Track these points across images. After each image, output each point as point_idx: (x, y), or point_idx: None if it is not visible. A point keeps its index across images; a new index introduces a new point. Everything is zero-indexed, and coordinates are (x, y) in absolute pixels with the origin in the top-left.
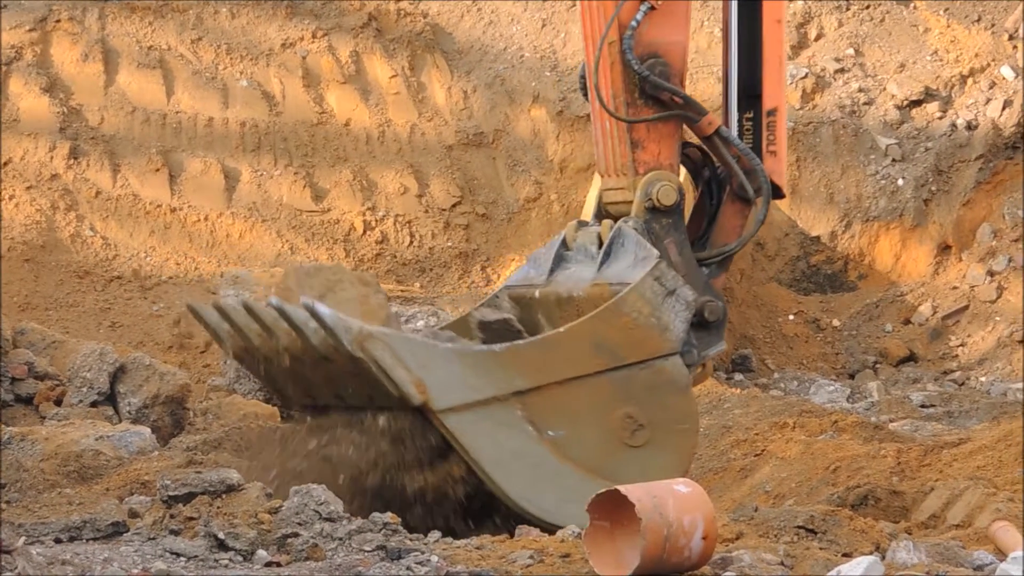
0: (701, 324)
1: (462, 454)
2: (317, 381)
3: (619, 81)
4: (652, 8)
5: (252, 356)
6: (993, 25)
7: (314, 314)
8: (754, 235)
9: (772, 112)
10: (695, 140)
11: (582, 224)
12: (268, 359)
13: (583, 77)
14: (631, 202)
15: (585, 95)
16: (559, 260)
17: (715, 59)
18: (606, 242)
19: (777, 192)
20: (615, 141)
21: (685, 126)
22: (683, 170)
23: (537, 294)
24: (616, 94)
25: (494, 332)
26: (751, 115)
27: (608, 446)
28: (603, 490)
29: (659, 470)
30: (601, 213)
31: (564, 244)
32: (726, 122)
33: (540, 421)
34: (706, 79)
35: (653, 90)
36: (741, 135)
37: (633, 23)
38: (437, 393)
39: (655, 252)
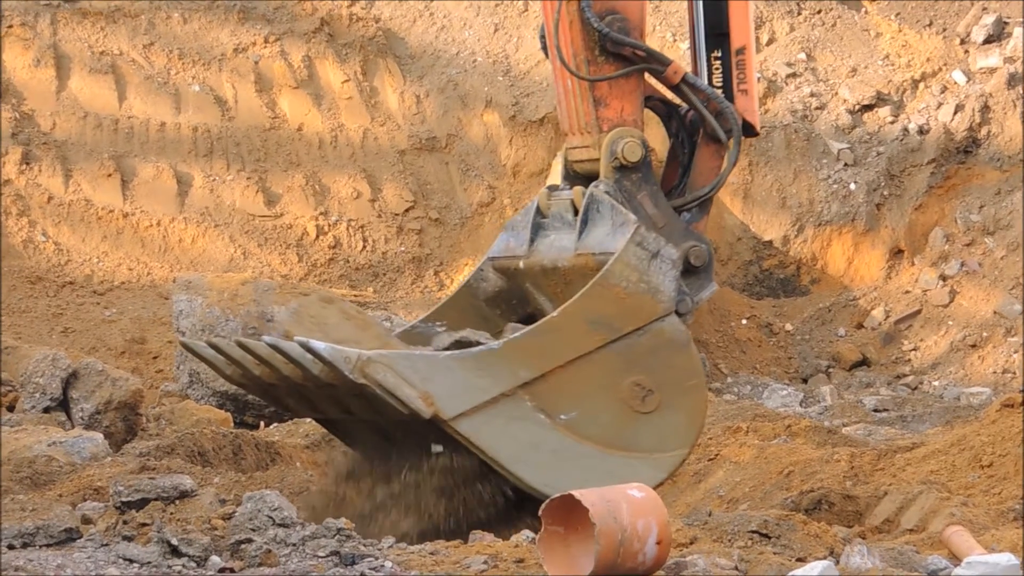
0: (689, 270)
1: (480, 456)
2: (323, 401)
3: (579, 39)
4: None
5: (254, 383)
6: (945, 30)
7: (310, 351)
8: (730, 172)
9: (741, 51)
10: (659, 92)
11: (552, 189)
12: (271, 384)
13: (543, 37)
14: (597, 160)
15: (546, 54)
16: (537, 229)
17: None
18: (581, 209)
19: (750, 130)
20: (577, 100)
21: (651, 78)
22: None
23: (521, 265)
24: (576, 52)
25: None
26: (719, 54)
27: (621, 418)
28: (556, 495)
29: (674, 431)
30: (569, 174)
31: (539, 212)
32: (694, 65)
33: (550, 407)
34: None
35: (614, 47)
36: (711, 75)
37: None
38: (445, 403)
39: (632, 217)
